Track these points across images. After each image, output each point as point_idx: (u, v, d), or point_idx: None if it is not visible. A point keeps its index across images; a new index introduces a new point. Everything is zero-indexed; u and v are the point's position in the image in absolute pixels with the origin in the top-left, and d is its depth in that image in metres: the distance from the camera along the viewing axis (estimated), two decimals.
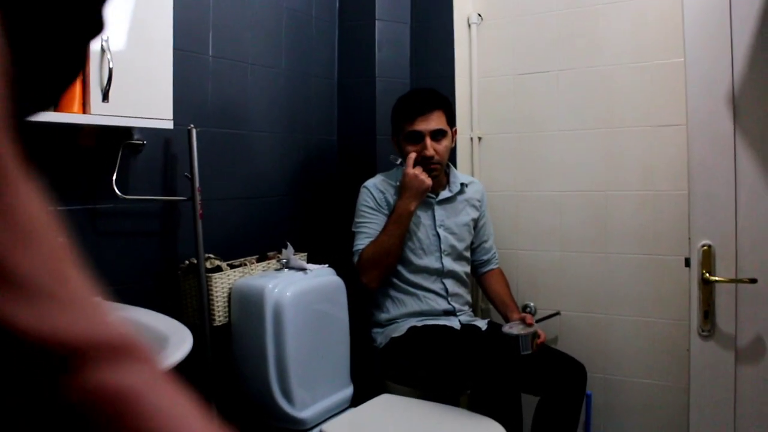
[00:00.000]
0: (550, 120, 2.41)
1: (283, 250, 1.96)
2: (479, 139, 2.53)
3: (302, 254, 2.10)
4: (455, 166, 2.34)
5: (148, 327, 1.32)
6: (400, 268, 2.14)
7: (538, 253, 2.45)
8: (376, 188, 2.16)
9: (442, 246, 2.16)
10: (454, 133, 2.19)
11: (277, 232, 2.16)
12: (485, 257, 2.32)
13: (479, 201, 2.30)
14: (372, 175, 2.28)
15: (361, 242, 2.10)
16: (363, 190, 2.18)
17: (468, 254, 2.24)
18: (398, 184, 2.11)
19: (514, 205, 2.49)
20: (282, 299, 1.75)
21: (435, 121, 2.07)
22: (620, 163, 2.29)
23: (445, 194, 2.19)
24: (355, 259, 2.11)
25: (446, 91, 2.33)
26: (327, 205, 2.47)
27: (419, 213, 2.13)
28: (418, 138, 2.08)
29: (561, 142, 2.39)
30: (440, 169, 2.11)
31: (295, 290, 1.79)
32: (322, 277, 1.96)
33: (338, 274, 2.06)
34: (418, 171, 2.01)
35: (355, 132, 2.56)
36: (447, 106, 2.15)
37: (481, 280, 2.35)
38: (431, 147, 2.05)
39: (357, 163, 2.54)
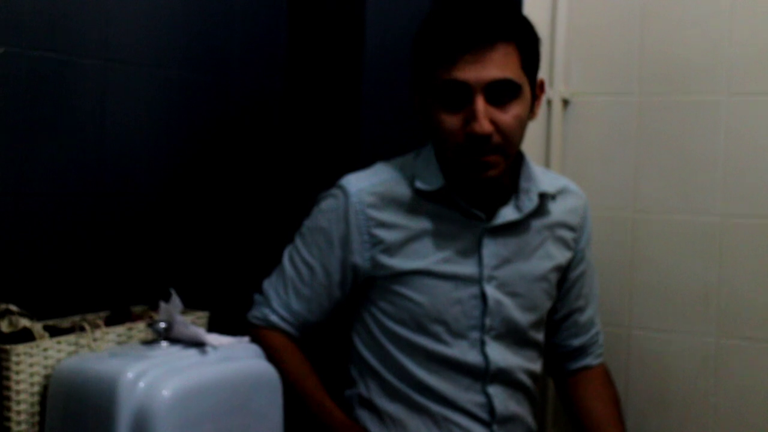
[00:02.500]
0: (711, 74, 1.66)
1: (162, 305, 1.30)
2: (564, 102, 1.75)
3: (199, 314, 1.41)
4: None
5: None
6: (402, 359, 1.38)
7: (675, 337, 1.69)
8: (360, 200, 1.36)
9: (488, 320, 1.35)
10: (540, 92, 1.39)
11: (150, 268, 1.45)
12: (577, 342, 1.51)
13: (576, 229, 1.48)
14: (354, 162, 1.50)
15: (281, 307, 1.38)
16: (329, 200, 1.40)
17: (541, 336, 1.45)
18: (421, 187, 1.35)
19: (629, 240, 1.73)
20: (153, 403, 1.17)
21: (497, 65, 1.28)
22: None
23: (508, 214, 1.38)
24: (256, 322, 1.42)
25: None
26: (255, 218, 1.66)
27: (447, 244, 1.37)
28: (463, 97, 1.28)
29: (731, 115, 1.65)
30: (503, 163, 1.32)
31: (179, 386, 1.22)
32: (237, 361, 1.31)
33: None
34: None
35: (320, 72, 1.72)
36: (523, 36, 1.34)
37: (565, 386, 1.55)
38: (485, 117, 1.26)
39: (323, 136, 1.72)
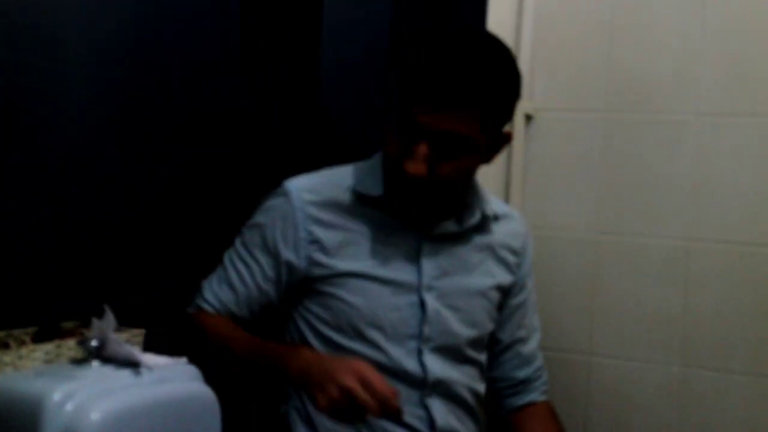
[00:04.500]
0: (680, 92, 1.68)
1: (94, 321, 1.24)
2: (527, 118, 1.74)
3: (134, 332, 1.34)
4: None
5: None
6: None
7: (638, 365, 1.69)
8: (300, 197, 1.37)
9: (426, 330, 1.36)
10: (503, 144, 1.38)
11: (82, 281, 1.38)
12: (521, 374, 1.51)
13: (517, 254, 1.50)
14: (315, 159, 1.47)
15: (211, 296, 1.41)
16: (270, 198, 1.41)
17: (482, 357, 1.45)
18: (361, 191, 1.38)
19: (591, 263, 1.74)
20: (80, 426, 1.10)
21: (454, 121, 1.28)
22: None
23: (448, 227, 1.41)
24: (190, 310, 1.43)
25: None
26: (195, 231, 1.54)
27: (386, 249, 1.38)
28: (415, 134, 1.29)
29: (699, 136, 1.66)
30: (430, 197, 1.35)
31: (110, 409, 1.14)
32: (173, 383, 1.25)
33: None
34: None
35: (276, 75, 1.62)
36: (491, 100, 1.30)
37: (510, 424, 1.54)
38: (423, 161, 1.27)
39: (276, 145, 1.63)
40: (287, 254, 1.37)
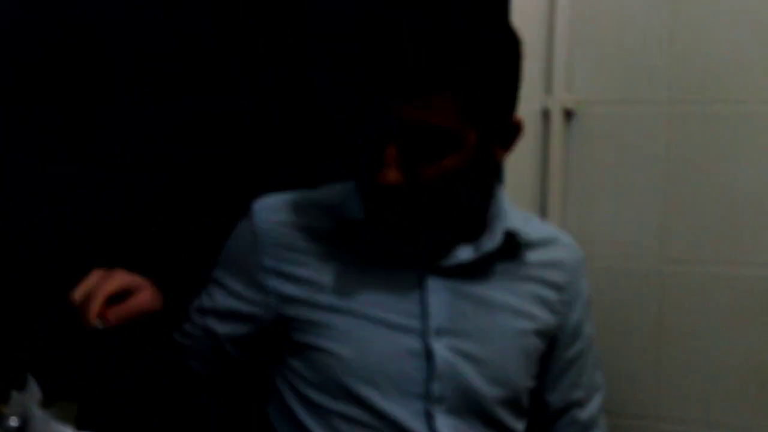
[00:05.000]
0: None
1: (14, 395, 1.09)
2: (567, 114, 1.56)
3: (65, 405, 1.14)
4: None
5: None
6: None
7: None
8: (267, 221, 1.21)
9: (437, 387, 1.15)
10: (509, 133, 1.16)
11: None
12: None
13: (561, 289, 1.26)
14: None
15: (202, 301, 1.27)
16: (239, 225, 1.26)
17: (520, 426, 1.24)
18: (345, 214, 1.18)
19: (654, 301, 1.52)
20: None
21: (427, 110, 1.06)
22: None
23: (461, 254, 1.20)
24: None
25: None
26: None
27: (378, 285, 1.18)
28: (382, 134, 1.08)
29: None
30: (416, 213, 1.12)
31: None
32: None
33: None
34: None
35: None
36: (478, 77, 1.08)
37: None
38: (394, 162, 1.06)
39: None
40: (248, 290, 1.20)
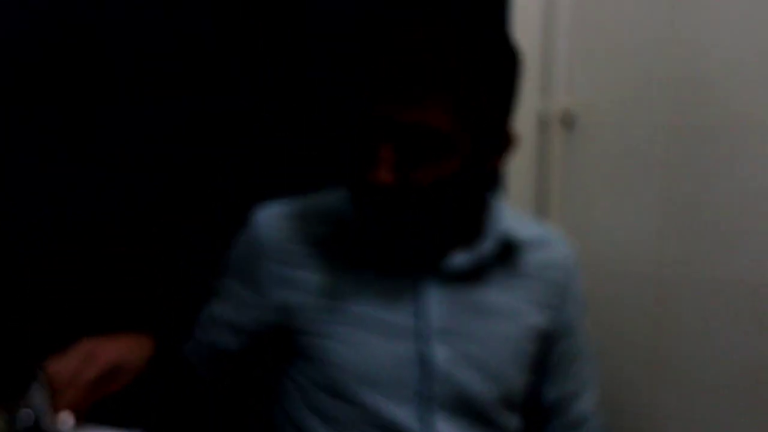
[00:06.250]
0: None
1: (31, 388, 1.04)
2: (567, 117, 1.52)
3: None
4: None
5: None
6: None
7: None
8: (270, 228, 1.20)
9: (436, 388, 1.15)
10: (502, 142, 1.14)
11: None
12: None
13: (558, 288, 1.26)
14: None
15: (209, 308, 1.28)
16: (243, 233, 1.24)
17: (514, 422, 1.24)
18: (342, 218, 1.18)
19: (651, 305, 1.47)
20: None
21: (422, 112, 1.04)
22: None
23: (459, 259, 1.19)
24: None
25: None
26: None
27: (378, 289, 1.17)
28: (375, 134, 1.07)
29: None
30: (408, 216, 1.09)
31: None
32: None
33: None
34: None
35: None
36: (473, 81, 1.07)
37: None
38: (387, 163, 1.05)
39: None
40: (253, 297, 1.20)
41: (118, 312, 1.41)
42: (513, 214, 1.21)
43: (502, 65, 1.06)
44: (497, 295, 1.18)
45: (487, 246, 1.15)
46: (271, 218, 1.20)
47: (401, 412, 1.13)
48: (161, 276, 1.47)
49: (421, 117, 1.01)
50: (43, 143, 1.38)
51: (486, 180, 1.16)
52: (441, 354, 1.14)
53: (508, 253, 1.18)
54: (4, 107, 1.34)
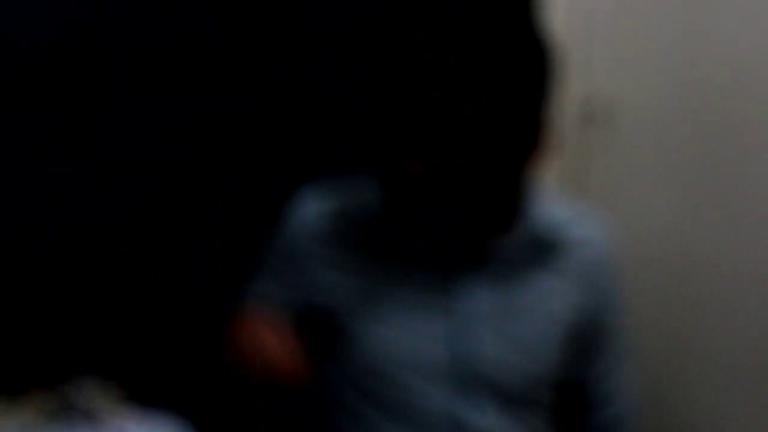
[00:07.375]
0: None
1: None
2: (605, 113, 1.46)
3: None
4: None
5: None
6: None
7: None
8: (308, 228, 1.16)
9: (466, 366, 1.13)
10: (534, 136, 1.10)
11: None
12: (598, 419, 1.26)
13: (594, 266, 1.21)
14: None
15: (256, 288, 1.22)
16: (288, 219, 1.21)
17: (545, 400, 1.21)
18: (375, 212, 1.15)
19: (681, 294, 1.42)
20: None
21: (454, 98, 1.02)
22: None
23: (492, 253, 1.17)
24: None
25: None
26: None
27: (403, 288, 1.14)
28: (404, 124, 1.04)
29: None
30: (441, 206, 1.08)
31: None
32: None
33: None
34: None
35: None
36: (498, 75, 1.04)
37: None
38: (416, 153, 1.02)
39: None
40: (288, 295, 1.17)
41: (117, 312, 1.43)
42: (548, 197, 1.19)
43: (533, 60, 1.04)
44: (534, 276, 1.15)
45: (526, 229, 1.14)
46: (312, 216, 1.18)
47: (433, 405, 1.12)
48: (161, 276, 1.47)
49: (450, 109, 1.01)
50: (43, 143, 1.37)
51: (518, 173, 1.12)
52: (472, 346, 1.12)
53: (545, 235, 1.16)
54: (4, 107, 1.33)
